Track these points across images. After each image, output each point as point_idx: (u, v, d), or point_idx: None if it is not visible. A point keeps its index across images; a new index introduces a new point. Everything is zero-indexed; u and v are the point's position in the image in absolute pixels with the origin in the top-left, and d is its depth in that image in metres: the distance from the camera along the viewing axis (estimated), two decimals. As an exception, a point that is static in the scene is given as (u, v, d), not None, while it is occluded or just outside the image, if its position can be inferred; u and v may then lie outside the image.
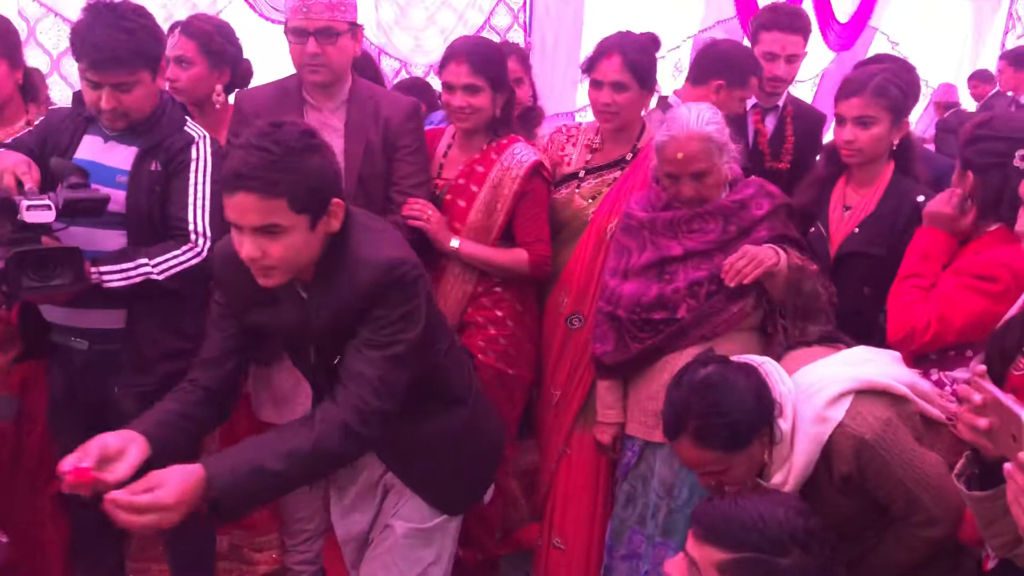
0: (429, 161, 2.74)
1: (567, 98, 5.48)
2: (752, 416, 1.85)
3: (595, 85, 2.66)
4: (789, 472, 1.87)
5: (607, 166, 2.74)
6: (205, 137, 2.37)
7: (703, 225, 2.38)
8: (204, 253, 2.26)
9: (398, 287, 1.79)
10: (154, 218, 2.29)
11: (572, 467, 2.72)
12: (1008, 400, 1.35)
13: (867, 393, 1.90)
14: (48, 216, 2.08)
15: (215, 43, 2.84)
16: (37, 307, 2.35)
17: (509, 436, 2.76)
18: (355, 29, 2.61)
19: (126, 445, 1.68)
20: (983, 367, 1.44)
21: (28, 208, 2.07)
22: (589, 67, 2.67)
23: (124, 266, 2.22)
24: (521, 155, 2.66)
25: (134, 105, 2.25)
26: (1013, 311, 1.91)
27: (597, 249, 2.65)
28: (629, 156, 2.72)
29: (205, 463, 1.67)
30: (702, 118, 2.31)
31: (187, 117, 2.44)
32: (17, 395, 2.56)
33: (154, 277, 2.22)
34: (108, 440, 1.67)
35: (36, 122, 2.50)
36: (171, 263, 2.24)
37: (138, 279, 2.22)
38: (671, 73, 5.86)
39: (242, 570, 2.95)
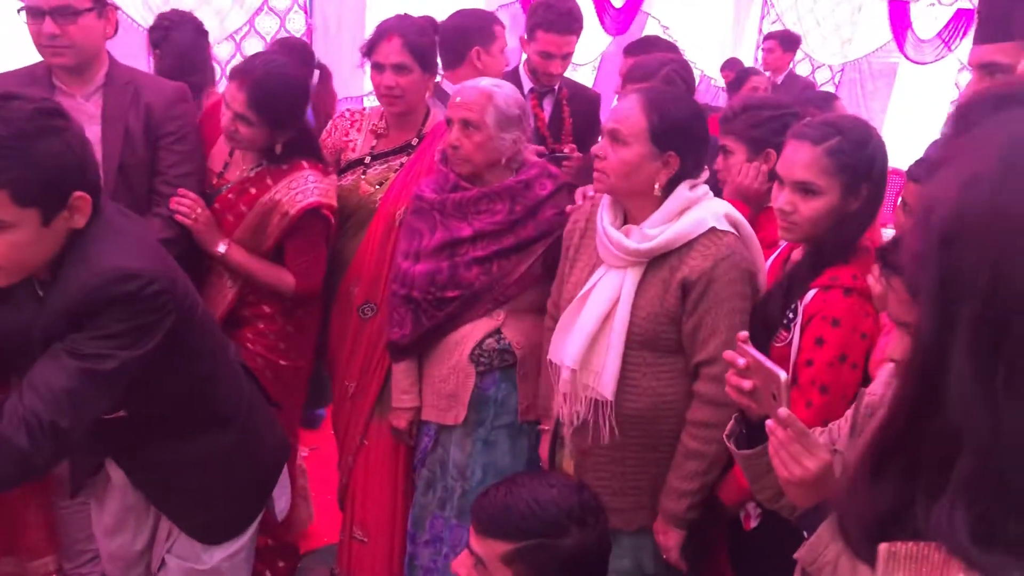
0: (201, 148, 2.58)
1: (354, 82, 5.34)
2: (689, 126, 2.02)
3: (377, 68, 2.61)
4: (663, 232, 2.00)
5: (393, 152, 2.70)
6: None
7: (491, 206, 2.40)
8: None
9: (125, 301, 1.56)
10: None
11: (370, 458, 2.68)
12: (768, 362, 1.45)
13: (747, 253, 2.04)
14: None
15: None
16: None
17: (294, 424, 2.72)
18: (104, 8, 2.40)
19: None
20: (745, 333, 1.55)
21: None
22: (369, 50, 2.62)
23: None
24: (298, 192, 2.48)
25: None
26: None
27: (386, 236, 2.60)
28: (415, 141, 2.69)
29: None
30: (499, 85, 2.38)
31: None
32: None
33: None
34: None
35: None
36: None
37: None
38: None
39: (14, 601, 2.69)
